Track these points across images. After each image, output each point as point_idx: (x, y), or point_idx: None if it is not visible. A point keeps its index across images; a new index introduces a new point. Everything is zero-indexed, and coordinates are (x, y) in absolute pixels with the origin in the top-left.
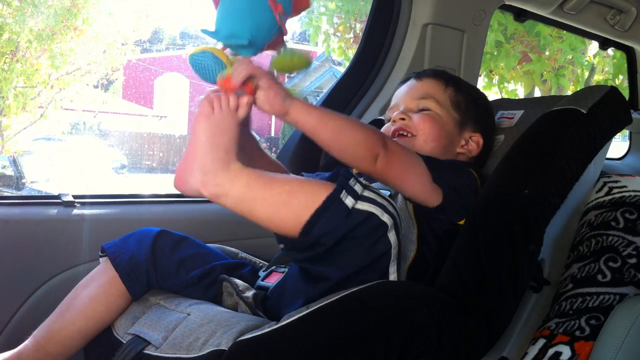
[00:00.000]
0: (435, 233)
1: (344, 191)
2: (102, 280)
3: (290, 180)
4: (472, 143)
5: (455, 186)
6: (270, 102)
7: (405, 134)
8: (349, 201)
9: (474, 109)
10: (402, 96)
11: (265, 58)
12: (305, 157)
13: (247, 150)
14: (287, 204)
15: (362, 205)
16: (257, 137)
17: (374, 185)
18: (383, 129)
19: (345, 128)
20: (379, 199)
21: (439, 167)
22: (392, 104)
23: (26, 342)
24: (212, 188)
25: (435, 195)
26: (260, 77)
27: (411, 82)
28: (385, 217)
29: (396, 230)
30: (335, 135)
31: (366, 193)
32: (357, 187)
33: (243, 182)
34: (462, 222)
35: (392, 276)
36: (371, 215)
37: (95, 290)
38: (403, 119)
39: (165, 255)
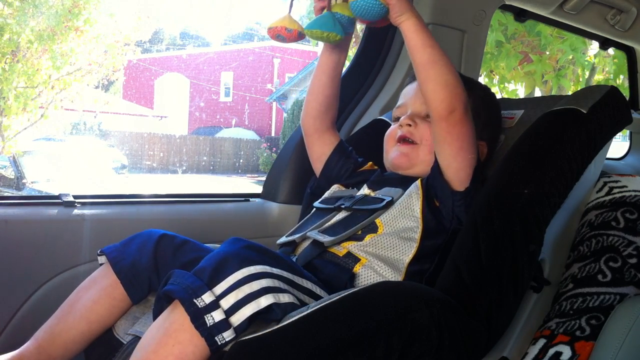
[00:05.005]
0: (440, 232)
1: (213, 338)
2: (104, 284)
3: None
4: None
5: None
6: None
7: (410, 140)
8: (227, 335)
9: (483, 117)
10: (411, 97)
11: None
12: (305, 157)
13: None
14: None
15: (236, 318)
16: (258, 137)
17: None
18: (390, 130)
19: (444, 62)
20: (241, 294)
21: None
22: (400, 101)
23: (27, 344)
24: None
25: (467, 181)
26: None
27: None
28: (262, 301)
29: (281, 290)
30: (431, 62)
31: (226, 304)
32: (218, 316)
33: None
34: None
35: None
36: (250, 319)
37: (98, 293)
38: (410, 124)
39: (167, 261)
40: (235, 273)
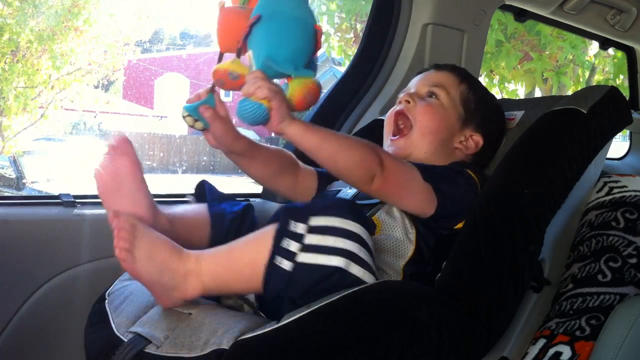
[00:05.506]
0: (434, 235)
1: (277, 257)
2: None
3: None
4: (471, 141)
5: (449, 194)
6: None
7: (401, 126)
8: (286, 264)
9: (481, 111)
10: (416, 81)
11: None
12: (304, 157)
13: (238, 150)
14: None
15: (305, 258)
16: (258, 137)
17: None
18: (389, 112)
19: (342, 150)
20: (325, 242)
21: (434, 176)
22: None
23: None
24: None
25: (430, 206)
26: (271, 99)
27: (429, 71)
28: (334, 260)
29: (358, 261)
30: (332, 156)
31: (308, 241)
32: (293, 246)
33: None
34: (459, 226)
35: None
36: (317, 267)
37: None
38: (408, 101)
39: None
40: (338, 218)
